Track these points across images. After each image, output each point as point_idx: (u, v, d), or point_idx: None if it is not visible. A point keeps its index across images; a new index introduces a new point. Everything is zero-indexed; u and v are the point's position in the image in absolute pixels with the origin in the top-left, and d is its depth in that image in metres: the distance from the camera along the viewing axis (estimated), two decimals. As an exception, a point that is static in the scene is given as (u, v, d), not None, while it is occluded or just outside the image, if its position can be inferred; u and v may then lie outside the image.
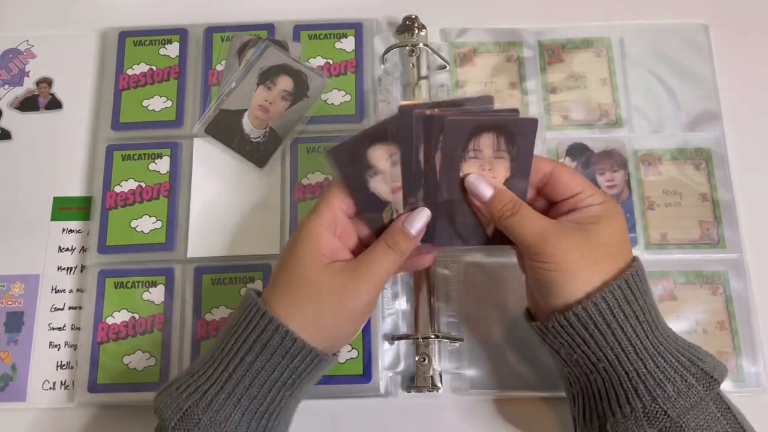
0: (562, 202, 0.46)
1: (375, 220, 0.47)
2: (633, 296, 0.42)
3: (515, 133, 0.45)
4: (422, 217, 0.46)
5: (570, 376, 0.46)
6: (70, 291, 0.57)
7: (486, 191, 0.45)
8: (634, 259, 0.44)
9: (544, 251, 0.43)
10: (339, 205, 0.45)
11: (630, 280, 0.42)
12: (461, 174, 0.46)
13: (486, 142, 0.45)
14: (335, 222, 0.45)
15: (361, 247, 0.47)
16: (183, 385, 0.43)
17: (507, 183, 0.46)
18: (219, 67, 0.62)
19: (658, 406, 0.41)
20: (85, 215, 0.59)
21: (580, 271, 0.42)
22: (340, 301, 0.43)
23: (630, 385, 0.42)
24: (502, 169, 0.46)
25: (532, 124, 0.45)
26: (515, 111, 0.45)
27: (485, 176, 0.46)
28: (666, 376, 0.41)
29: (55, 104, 0.63)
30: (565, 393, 0.48)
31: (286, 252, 0.45)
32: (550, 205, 0.47)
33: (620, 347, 0.42)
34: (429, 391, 0.54)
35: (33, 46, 0.65)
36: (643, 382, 0.41)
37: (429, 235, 0.47)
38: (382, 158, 0.46)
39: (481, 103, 0.45)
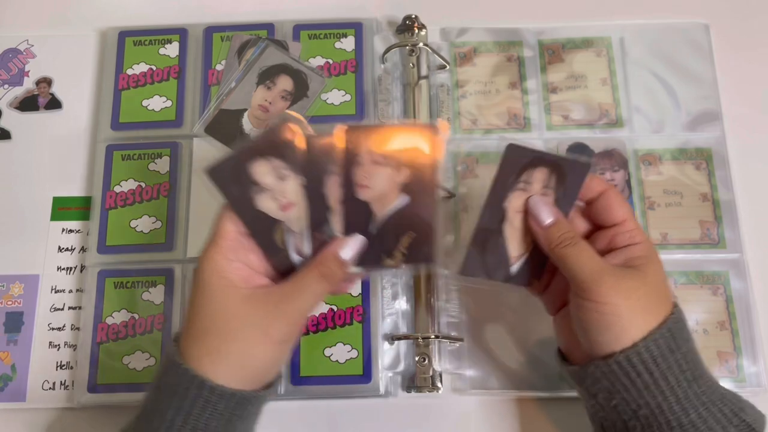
0: (602, 232, 0.45)
1: (268, 244, 0.43)
2: (676, 345, 0.42)
3: (568, 173, 0.45)
4: (356, 242, 0.43)
5: (604, 422, 0.44)
6: (70, 291, 0.57)
7: (547, 215, 0.45)
8: (675, 304, 0.44)
9: (600, 291, 0.41)
10: (235, 229, 0.43)
11: (673, 328, 0.42)
12: (506, 204, 0.46)
13: (538, 176, 0.46)
14: (237, 248, 0.42)
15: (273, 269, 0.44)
16: None
17: None
18: (219, 67, 0.62)
19: None
20: (85, 215, 0.59)
21: (634, 317, 0.41)
22: (266, 333, 0.41)
23: None
24: None
25: (585, 167, 0.45)
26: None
27: (547, 201, 0.45)
28: (708, 426, 0.41)
29: (54, 104, 0.63)
30: None
31: (194, 293, 0.42)
32: (590, 232, 0.47)
33: (662, 396, 0.41)
34: (429, 391, 0.54)
35: (33, 45, 0.65)
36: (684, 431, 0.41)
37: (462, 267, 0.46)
38: (267, 173, 0.43)
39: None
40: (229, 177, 0.43)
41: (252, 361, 0.41)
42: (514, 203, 0.46)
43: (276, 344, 0.42)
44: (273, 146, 0.43)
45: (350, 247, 0.43)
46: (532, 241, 0.46)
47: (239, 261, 0.42)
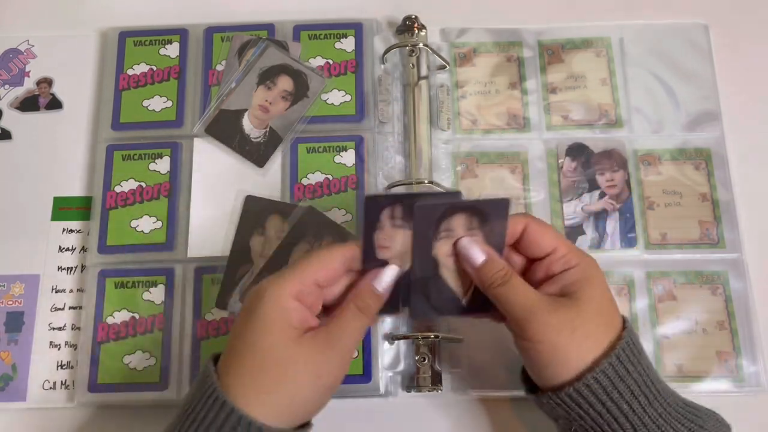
0: (538, 263, 0.45)
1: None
2: (626, 371, 0.41)
3: (488, 213, 0.44)
4: (390, 273, 0.44)
5: None
6: (71, 291, 0.57)
7: (478, 256, 0.44)
8: (624, 322, 0.43)
9: (533, 328, 0.41)
10: (312, 276, 0.42)
11: (621, 355, 0.41)
12: (433, 253, 0.44)
13: (458, 222, 0.44)
14: (304, 292, 0.42)
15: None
16: None
17: None
18: (219, 67, 0.62)
19: None
20: (86, 215, 0.59)
21: (571, 350, 0.41)
22: (318, 377, 0.41)
23: None
24: None
25: (505, 204, 0.43)
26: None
27: (477, 241, 0.44)
28: None
29: (55, 104, 0.63)
30: None
31: (247, 324, 0.41)
32: (528, 265, 0.46)
33: (617, 423, 0.41)
34: (429, 390, 0.54)
35: (33, 46, 0.65)
36: None
37: (403, 303, 0.46)
38: (387, 217, 0.44)
39: (449, 197, 0.45)
40: (371, 210, 0.44)
41: (300, 404, 0.41)
42: (442, 250, 0.45)
43: (324, 386, 0.42)
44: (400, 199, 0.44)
45: (384, 279, 0.44)
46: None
47: (301, 303, 0.42)
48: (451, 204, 0.44)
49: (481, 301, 0.45)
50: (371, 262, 0.44)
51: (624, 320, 0.44)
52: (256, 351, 0.41)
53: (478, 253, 0.44)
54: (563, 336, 0.41)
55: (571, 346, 0.41)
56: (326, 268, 0.43)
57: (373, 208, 0.44)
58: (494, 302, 0.44)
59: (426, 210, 0.43)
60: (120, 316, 0.56)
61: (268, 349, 0.40)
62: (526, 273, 0.46)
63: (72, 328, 0.56)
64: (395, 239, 0.44)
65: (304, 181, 0.59)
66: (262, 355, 0.40)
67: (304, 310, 0.42)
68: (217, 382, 0.41)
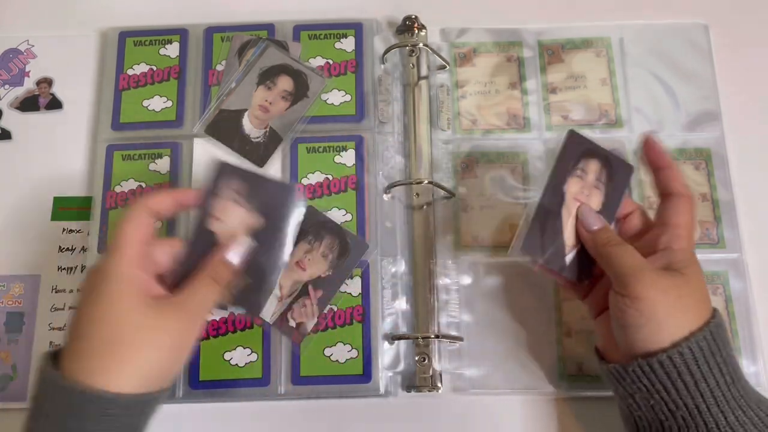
0: (648, 235, 0.47)
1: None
2: (717, 347, 0.42)
3: (615, 171, 0.49)
4: (243, 244, 0.47)
5: (639, 421, 0.45)
6: (71, 291, 0.57)
7: (596, 221, 0.47)
8: (715, 309, 0.45)
9: (640, 285, 0.43)
10: (139, 237, 0.43)
11: (714, 332, 0.43)
12: (565, 187, 0.48)
13: (593, 167, 0.49)
14: (140, 257, 0.43)
15: (160, 270, 0.45)
16: None
17: None
18: (219, 67, 0.62)
19: None
20: (86, 215, 0.59)
21: (671, 315, 0.42)
22: (179, 342, 0.42)
23: None
24: (596, 201, 0.49)
25: (629, 170, 0.49)
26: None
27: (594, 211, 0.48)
28: (746, 429, 0.41)
29: (55, 104, 0.63)
30: None
31: (93, 302, 0.41)
32: (630, 241, 0.48)
33: (702, 398, 0.42)
34: (429, 390, 0.54)
35: (33, 46, 0.65)
36: None
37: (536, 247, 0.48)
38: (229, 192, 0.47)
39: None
40: (220, 175, 0.47)
41: (157, 367, 0.42)
42: (572, 188, 0.48)
43: (183, 352, 0.43)
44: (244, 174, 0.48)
45: (236, 249, 0.46)
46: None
47: (141, 269, 0.43)
48: (596, 146, 0.49)
49: (577, 267, 0.49)
50: (201, 234, 0.47)
51: (715, 308, 0.45)
52: (105, 324, 0.41)
53: (595, 218, 0.48)
54: (669, 298, 0.42)
55: (673, 311, 0.42)
56: (136, 221, 0.44)
57: (221, 174, 0.47)
58: (602, 261, 0.46)
59: (577, 139, 0.49)
60: (120, 316, 0.56)
61: (122, 318, 0.41)
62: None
63: (72, 328, 0.56)
64: (229, 214, 0.47)
65: (304, 181, 0.59)
66: (111, 327, 0.41)
67: (143, 276, 0.43)
68: (58, 372, 0.40)
